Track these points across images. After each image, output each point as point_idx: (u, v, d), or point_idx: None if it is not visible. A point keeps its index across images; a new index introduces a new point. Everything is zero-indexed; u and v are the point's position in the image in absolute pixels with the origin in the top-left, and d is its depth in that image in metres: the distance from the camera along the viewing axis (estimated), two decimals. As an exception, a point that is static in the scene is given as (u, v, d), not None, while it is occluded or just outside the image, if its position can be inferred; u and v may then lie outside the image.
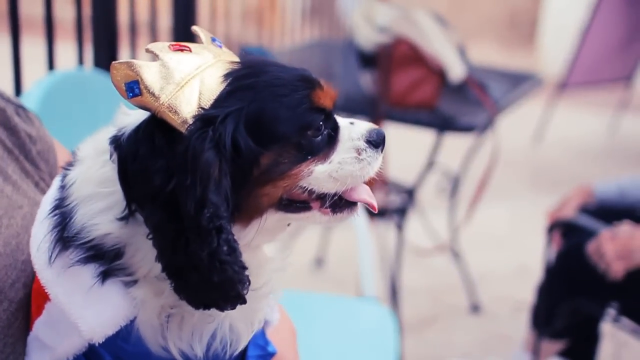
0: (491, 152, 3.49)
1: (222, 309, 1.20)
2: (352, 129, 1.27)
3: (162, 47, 1.22)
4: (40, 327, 1.35)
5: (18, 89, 2.44)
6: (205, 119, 1.15)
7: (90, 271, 1.24)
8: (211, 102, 1.17)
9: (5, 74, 2.39)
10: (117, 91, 1.17)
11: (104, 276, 1.24)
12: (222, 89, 1.18)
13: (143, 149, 1.17)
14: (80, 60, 2.80)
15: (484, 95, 3.45)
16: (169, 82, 1.17)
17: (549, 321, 3.09)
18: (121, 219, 1.21)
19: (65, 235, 1.25)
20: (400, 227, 3.77)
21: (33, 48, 2.92)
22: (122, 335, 1.28)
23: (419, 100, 3.37)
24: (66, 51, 2.92)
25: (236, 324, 1.32)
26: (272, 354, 1.50)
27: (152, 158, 1.16)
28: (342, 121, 1.28)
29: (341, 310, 2.68)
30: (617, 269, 2.73)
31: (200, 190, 1.12)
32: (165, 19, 3.31)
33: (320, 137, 1.23)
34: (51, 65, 2.62)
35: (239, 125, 1.17)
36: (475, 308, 4.13)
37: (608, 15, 6.39)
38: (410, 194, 3.89)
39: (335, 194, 1.25)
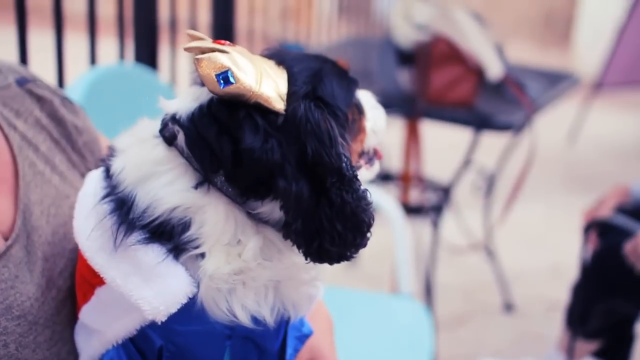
0: (527, 151, 3.48)
1: (351, 255, 1.30)
2: (374, 112, 1.49)
3: (206, 42, 1.26)
4: (88, 312, 1.37)
5: (61, 84, 2.47)
6: (299, 95, 1.26)
7: (153, 250, 1.26)
8: (286, 82, 1.27)
9: (49, 69, 2.42)
10: (205, 82, 1.22)
11: (175, 252, 1.27)
12: (283, 71, 1.30)
13: (238, 131, 1.22)
14: (122, 56, 2.84)
15: (522, 94, 3.44)
16: (247, 72, 1.23)
17: (583, 321, 3.08)
18: (195, 186, 1.26)
19: (130, 217, 1.27)
20: (435, 224, 3.78)
21: (76, 44, 2.96)
22: (175, 316, 1.29)
23: (457, 98, 3.37)
24: (108, 48, 2.96)
25: (292, 293, 1.36)
26: (308, 335, 1.52)
27: (256, 139, 1.22)
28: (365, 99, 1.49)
29: (376, 307, 2.70)
30: (654, 269, 2.72)
31: (332, 147, 1.23)
32: (205, 16, 3.34)
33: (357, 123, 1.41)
34: (93, 60, 2.66)
35: (324, 93, 1.30)
36: (508, 307, 4.13)
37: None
38: (446, 192, 3.89)
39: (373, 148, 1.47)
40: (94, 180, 1.37)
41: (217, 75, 1.21)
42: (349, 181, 1.24)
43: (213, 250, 1.27)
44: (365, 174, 1.46)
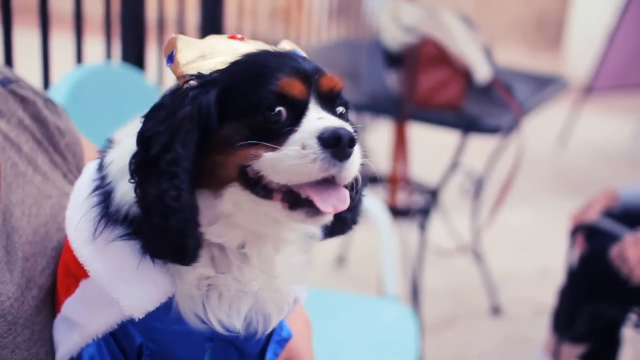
0: (515, 154, 3.49)
1: (173, 261, 1.26)
2: (313, 123, 1.23)
3: (221, 36, 1.33)
4: (71, 305, 1.37)
5: (46, 83, 2.46)
6: (190, 83, 1.25)
7: (132, 247, 1.28)
8: (208, 73, 1.27)
9: (35, 67, 2.41)
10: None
11: (145, 251, 1.28)
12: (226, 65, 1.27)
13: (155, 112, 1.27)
14: (108, 56, 2.82)
15: (510, 97, 3.45)
16: (198, 56, 1.28)
17: (570, 325, 3.08)
18: None
19: (109, 212, 1.29)
20: (423, 227, 3.78)
21: (63, 45, 2.95)
22: (156, 314, 1.30)
23: (444, 100, 3.37)
24: (94, 47, 2.94)
25: (266, 304, 1.35)
26: (287, 339, 1.52)
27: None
28: (312, 115, 1.25)
29: (362, 309, 2.69)
30: (640, 273, 2.72)
31: (169, 137, 1.21)
32: (193, 16, 3.33)
33: (275, 123, 1.23)
34: (79, 59, 2.65)
35: (213, 94, 1.24)
36: (495, 310, 4.13)
37: (635, 19, 6.35)
38: (433, 194, 3.89)
39: (286, 187, 1.22)
40: (90, 171, 1.39)
41: (168, 55, 1.31)
42: (159, 175, 1.20)
43: None
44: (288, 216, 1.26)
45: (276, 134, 1.22)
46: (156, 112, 1.25)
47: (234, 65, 1.26)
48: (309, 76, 1.26)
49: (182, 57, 1.28)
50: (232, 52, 1.28)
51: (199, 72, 1.25)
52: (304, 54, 1.37)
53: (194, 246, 1.23)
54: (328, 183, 1.23)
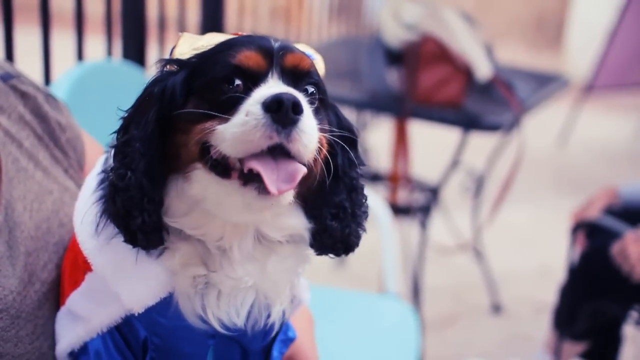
0: (516, 152, 3.48)
1: (128, 241, 1.25)
2: (262, 92, 1.20)
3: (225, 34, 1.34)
4: (76, 298, 1.38)
5: (47, 81, 2.46)
6: (162, 65, 1.29)
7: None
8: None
9: (36, 66, 2.41)
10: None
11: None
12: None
13: None
14: (109, 54, 2.82)
15: (510, 94, 3.44)
16: (192, 49, 1.30)
17: (571, 322, 3.08)
18: None
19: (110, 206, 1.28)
20: (423, 225, 3.77)
21: (64, 43, 2.95)
22: (159, 309, 1.30)
23: (445, 98, 3.37)
24: (95, 45, 2.95)
25: (266, 297, 1.34)
26: (292, 339, 1.52)
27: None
28: (267, 87, 1.22)
29: (363, 307, 2.69)
30: (641, 271, 2.72)
31: (127, 120, 1.25)
32: (194, 14, 3.33)
33: (232, 96, 1.21)
34: (80, 57, 2.65)
35: (180, 75, 1.25)
36: (496, 308, 4.13)
37: (636, 18, 6.34)
38: (434, 192, 3.89)
39: (236, 160, 1.19)
40: (99, 164, 1.40)
41: (172, 49, 1.33)
42: (113, 156, 1.25)
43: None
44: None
45: (231, 106, 1.20)
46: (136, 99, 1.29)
47: (210, 49, 1.27)
48: (271, 51, 1.24)
49: (177, 50, 1.30)
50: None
51: (176, 58, 1.28)
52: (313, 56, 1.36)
53: (141, 228, 1.22)
54: (283, 157, 1.19)
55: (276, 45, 1.25)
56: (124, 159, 1.21)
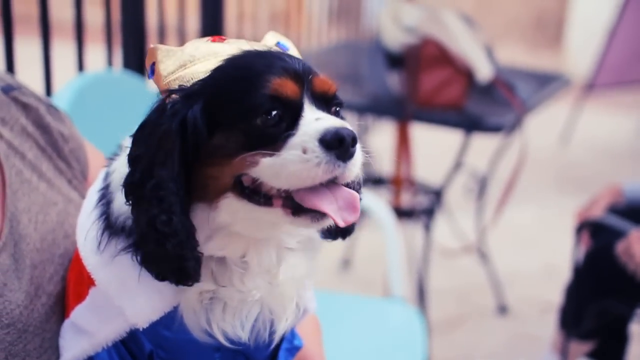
0: (519, 152, 3.48)
1: (176, 283, 1.22)
2: (312, 125, 1.18)
3: (202, 40, 1.29)
4: (81, 312, 1.37)
5: (48, 91, 2.46)
6: (171, 96, 1.21)
7: (134, 258, 1.25)
8: (190, 83, 1.22)
9: (37, 76, 2.41)
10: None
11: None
12: (208, 73, 1.23)
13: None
14: (110, 63, 2.83)
15: (512, 95, 3.44)
16: (179, 66, 1.24)
17: (577, 322, 3.08)
18: None
19: (111, 222, 1.28)
20: (427, 227, 3.77)
21: (65, 53, 2.95)
22: (164, 322, 1.30)
23: (447, 100, 3.37)
24: (95, 55, 2.95)
25: (271, 310, 1.33)
26: (299, 348, 1.52)
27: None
28: (309, 116, 1.20)
29: (369, 311, 2.69)
30: (646, 269, 2.72)
31: (149, 160, 1.18)
32: (194, 22, 3.33)
33: (272, 127, 1.18)
34: (81, 67, 2.65)
35: (197, 105, 1.19)
36: (502, 309, 4.12)
37: (635, 16, 6.35)
38: (437, 194, 3.89)
39: (287, 193, 1.19)
40: (99, 178, 1.39)
41: (150, 67, 1.28)
42: (145, 202, 1.18)
43: None
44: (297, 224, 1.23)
45: (273, 138, 1.17)
46: (141, 131, 1.21)
47: (218, 71, 1.22)
48: (301, 76, 1.22)
49: (162, 68, 1.25)
50: (213, 57, 1.24)
51: (180, 85, 1.22)
52: (288, 46, 1.34)
53: (194, 267, 1.20)
54: (332, 184, 1.20)
55: (300, 67, 1.23)
56: (160, 203, 1.16)
